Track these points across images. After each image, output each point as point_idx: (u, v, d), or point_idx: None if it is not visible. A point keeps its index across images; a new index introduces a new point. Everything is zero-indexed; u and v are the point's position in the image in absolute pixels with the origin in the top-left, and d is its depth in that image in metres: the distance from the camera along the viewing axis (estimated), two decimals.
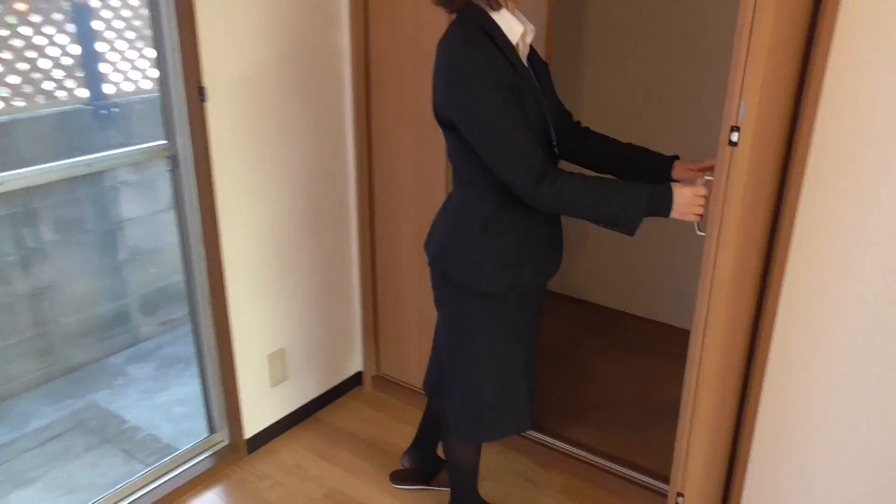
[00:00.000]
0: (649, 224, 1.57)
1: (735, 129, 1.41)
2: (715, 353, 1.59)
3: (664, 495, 2.09)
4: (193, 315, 2.15)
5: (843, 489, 1.74)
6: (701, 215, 1.50)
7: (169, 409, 2.72)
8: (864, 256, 1.57)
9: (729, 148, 1.43)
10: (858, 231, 1.56)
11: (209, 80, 1.88)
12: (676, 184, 1.50)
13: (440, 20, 1.99)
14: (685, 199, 1.48)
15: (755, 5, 1.32)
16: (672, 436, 2.30)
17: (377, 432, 2.44)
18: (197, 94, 1.87)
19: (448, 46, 1.43)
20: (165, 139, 1.96)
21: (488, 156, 1.44)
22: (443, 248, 1.63)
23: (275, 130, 2.11)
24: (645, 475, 2.15)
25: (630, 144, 1.69)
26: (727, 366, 1.71)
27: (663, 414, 2.48)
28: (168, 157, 1.98)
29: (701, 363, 1.59)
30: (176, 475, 2.16)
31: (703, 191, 1.49)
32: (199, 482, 2.17)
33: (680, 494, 1.74)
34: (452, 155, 1.57)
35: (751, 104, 1.38)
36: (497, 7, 1.44)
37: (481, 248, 1.57)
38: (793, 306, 1.69)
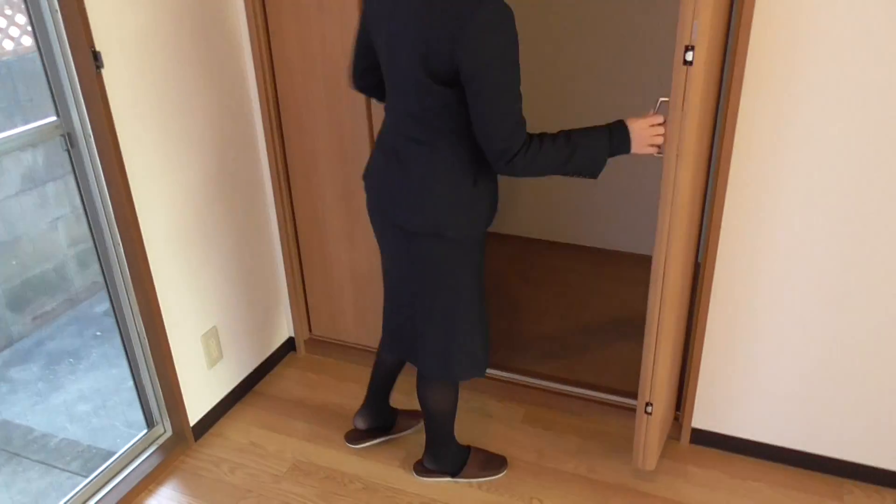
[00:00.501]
0: None
1: (689, 48, 1.44)
2: (676, 269, 1.66)
3: (624, 408, 2.20)
4: (115, 305, 1.95)
5: (787, 380, 1.91)
6: (659, 145, 1.54)
7: (71, 408, 2.49)
8: (800, 157, 1.68)
9: (684, 67, 1.46)
10: (794, 135, 1.66)
11: (101, 43, 1.65)
12: (630, 118, 1.54)
13: None
14: (642, 132, 1.54)
15: None
16: (619, 349, 2.44)
17: (322, 395, 2.38)
18: (91, 59, 1.64)
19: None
20: (56, 115, 1.72)
21: (482, 111, 1.42)
22: (439, 209, 1.56)
23: (176, 94, 1.90)
24: (603, 392, 2.25)
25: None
26: (684, 277, 1.80)
27: (607, 331, 2.59)
28: (62, 136, 1.74)
29: (665, 279, 1.66)
30: (122, 479, 2.00)
31: (657, 119, 1.54)
32: (150, 481, 2.02)
33: (649, 404, 1.84)
34: (434, 110, 1.49)
35: (703, 23, 1.41)
36: None
37: (476, 198, 1.58)
38: (735, 214, 1.78)
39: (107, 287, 1.93)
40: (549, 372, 2.34)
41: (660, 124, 1.53)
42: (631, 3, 2.71)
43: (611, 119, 1.58)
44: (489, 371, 2.35)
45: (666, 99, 1.53)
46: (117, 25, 1.70)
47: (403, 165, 1.58)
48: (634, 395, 2.13)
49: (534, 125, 1.49)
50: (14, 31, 2.60)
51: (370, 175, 1.69)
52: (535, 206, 3.21)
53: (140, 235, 1.84)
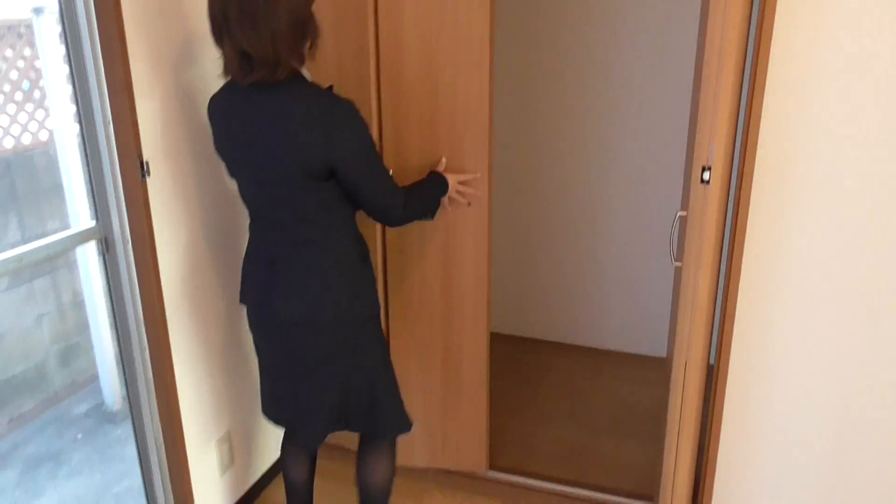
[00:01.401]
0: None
1: (706, 168, 1.57)
2: (697, 375, 1.74)
3: None
4: (135, 410, 1.94)
5: (804, 476, 1.95)
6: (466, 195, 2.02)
7: None
8: (808, 260, 1.80)
9: (701, 186, 1.59)
10: (801, 238, 1.79)
11: (149, 151, 1.74)
12: (447, 172, 1.97)
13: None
14: (454, 184, 1.97)
15: (720, 55, 1.50)
16: (627, 450, 2.46)
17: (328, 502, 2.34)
18: (137, 168, 1.71)
19: (319, 103, 1.53)
20: (95, 219, 1.77)
21: (371, 189, 1.64)
22: (343, 295, 1.69)
23: (210, 199, 1.98)
24: (618, 495, 2.25)
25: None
26: (700, 379, 1.87)
27: (613, 431, 2.62)
28: (99, 240, 1.79)
29: (685, 384, 1.73)
30: None
31: (467, 177, 1.99)
32: None
33: None
34: (320, 206, 1.63)
35: (719, 146, 1.55)
36: (303, 63, 1.56)
37: (367, 274, 1.76)
38: (747, 314, 1.88)
39: (127, 391, 1.93)
40: (561, 475, 2.35)
41: (467, 181, 1.99)
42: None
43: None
44: (499, 475, 2.35)
45: (684, 213, 1.65)
46: (164, 136, 1.79)
47: (292, 270, 1.66)
48: (649, 498, 2.14)
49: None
50: (15, 129, 2.66)
51: (254, 291, 1.75)
52: (533, 306, 3.30)
53: (168, 341, 1.86)
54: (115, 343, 1.89)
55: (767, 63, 1.66)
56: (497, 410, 2.78)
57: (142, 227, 1.76)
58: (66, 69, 1.70)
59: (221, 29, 1.47)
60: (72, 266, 2.93)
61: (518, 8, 2.95)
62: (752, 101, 1.71)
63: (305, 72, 1.69)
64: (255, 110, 1.55)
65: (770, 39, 1.64)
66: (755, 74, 1.68)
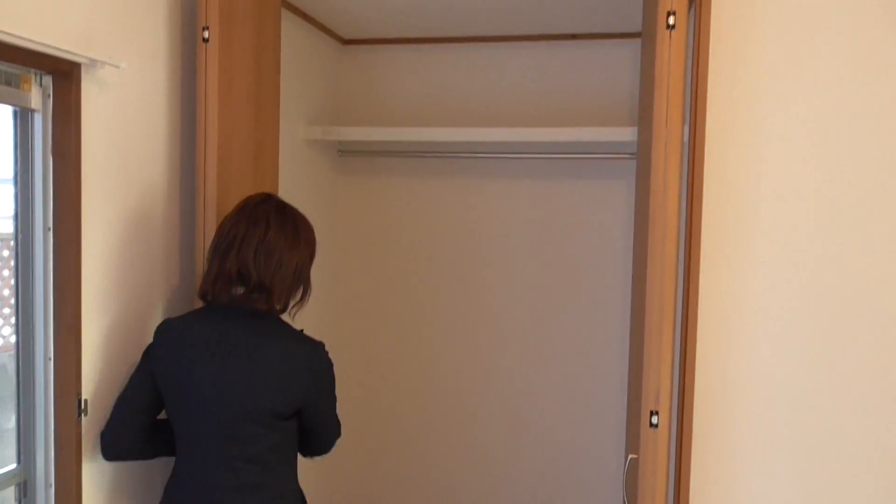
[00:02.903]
0: None
1: (654, 412, 1.65)
2: None
3: None
4: None
5: None
6: None
7: None
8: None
9: (651, 429, 1.66)
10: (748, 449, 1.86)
11: (89, 389, 1.65)
12: None
13: None
14: None
15: (661, 314, 1.64)
16: None
17: None
18: (75, 408, 1.62)
19: (302, 347, 1.65)
20: (17, 462, 1.63)
21: (327, 426, 1.78)
22: None
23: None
24: None
25: None
26: None
27: None
28: (17, 485, 1.63)
29: None
30: None
31: None
32: None
33: None
34: (269, 446, 1.61)
35: (664, 392, 1.65)
36: (284, 311, 1.70)
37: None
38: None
39: None
40: None
41: None
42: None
43: None
44: None
45: (635, 456, 1.70)
46: (104, 372, 1.71)
47: None
48: None
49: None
50: None
51: None
52: None
53: None
54: None
55: (697, 316, 1.83)
56: None
57: (69, 471, 1.63)
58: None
59: (232, 245, 1.60)
60: None
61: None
62: (686, 341, 1.85)
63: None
64: (230, 342, 1.59)
65: (697, 297, 1.82)
66: (687, 316, 1.84)
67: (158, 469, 1.93)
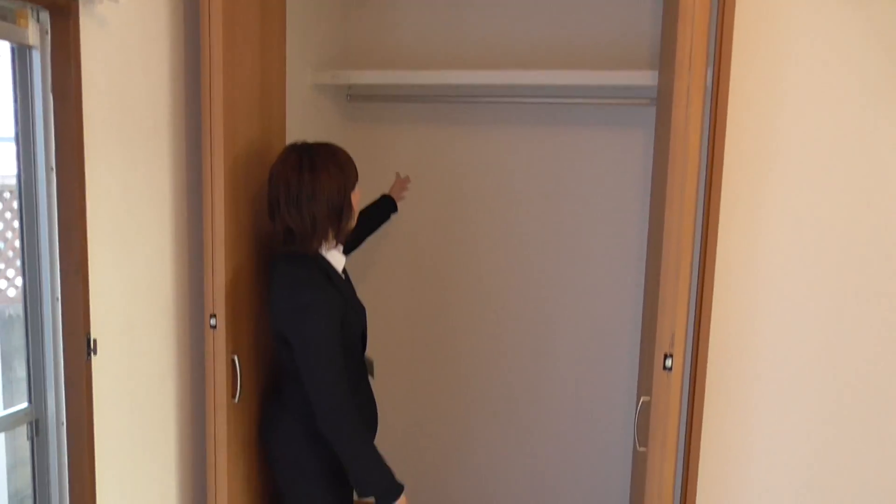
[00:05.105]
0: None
1: (668, 355, 1.63)
2: None
3: None
4: None
5: None
6: None
7: None
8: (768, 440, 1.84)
9: (664, 372, 1.63)
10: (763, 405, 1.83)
11: (98, 330, 1.65)
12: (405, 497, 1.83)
13: None
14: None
15: (678, 254, 1.59)
16: None
17: None
18: (84, 348, 1.62)
19: (297, 282, 1.80)
20: (28, 402, 1.63)
21: (306, 377, 1.78)
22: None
23: (158, 381, 1.88)
24: None
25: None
26: None
27: None
28: (29, 423, 1.64)
29: None
30: None
31: None
32: None
33: None
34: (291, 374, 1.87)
35: (679, 335, 1.61)
36: (340, 238, 1.88)
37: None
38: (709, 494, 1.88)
39: None
40: None
41: None
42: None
43: None
44: None
45: (647, 399, 1.68)
46: (115, 313, 1.71)
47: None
48: None
49: None
50: None
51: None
52: (476, 485, 3.19)
53: None
54: None
55: (715, 260, 1.78)
56: None
57: (80, 412, 1.63)
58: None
59: (275, 210, 1.82)
60: None
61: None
62: (703, 286, 1.81)
63: (333, 251, 1.90)
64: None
65: (716, 241, 1.78)
66: (704, 264, 1.80)
67: (171, 409, 1.94)
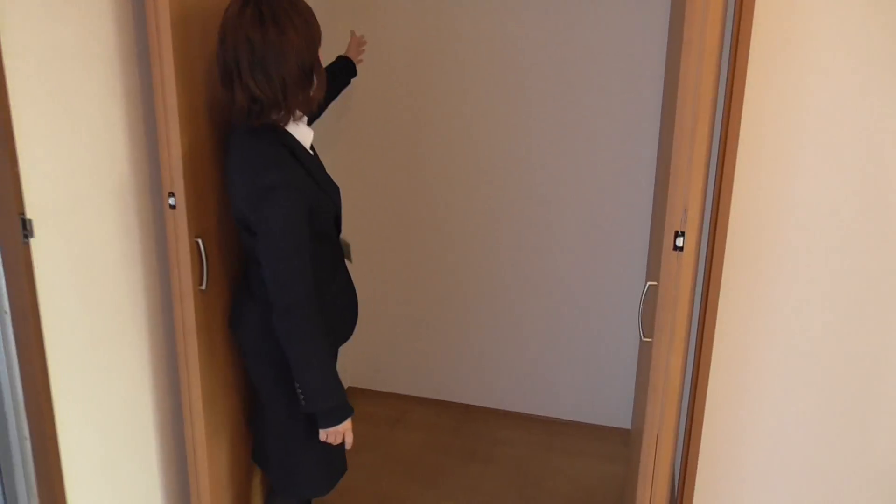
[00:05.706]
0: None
1: (679, 234, 1.41)
2: (668, 455, 1.55)
3: None
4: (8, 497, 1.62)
5: None
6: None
7: None
8: (780, 338, 1.66)
9: (675, 253, 1.42)
10: (774, 315, 1.65)
11: (34, 210, 1.47)
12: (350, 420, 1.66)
13: None
14: (342, 427, 1.64)
15: (694, 116, 1.35)
16: None
17: None
18: (19, 229, 1.44)
19: (258, 158, 1.57)
20: None
21: (266, 266, 1.58)
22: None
23: (112, 266, 1.71)
24: None
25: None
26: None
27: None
28: None
29: (656, 469, 1.54)
30: None
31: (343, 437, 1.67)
32: None
33: None
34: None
35: (693, 209, 1.39)
36: (308, 108, 1.62)
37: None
38: (719, 387, 1.73)
39: (2, 488, 1.61)
40: None
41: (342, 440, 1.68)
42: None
43: None
44: None
45: (654, 283, 1.48)
46: (52, 191, 1.52)
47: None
48: None
49: None
50: None
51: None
52: (476, 371, 3.08)
53: (54, 431, 1.57)
54: None
55: (739, 125, 1.54)
56: (442, 493, 2.54)
57: (23, 300, 1.48)
58: None
59: (233, 76, 1.52)
60: None
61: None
62: (723, 163, 1.58)
63: (299, 124, 1.65)
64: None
65: (742, 101, 1.52)
66: (726, 135, 1.55)
67: (138, 297, 1.79)
